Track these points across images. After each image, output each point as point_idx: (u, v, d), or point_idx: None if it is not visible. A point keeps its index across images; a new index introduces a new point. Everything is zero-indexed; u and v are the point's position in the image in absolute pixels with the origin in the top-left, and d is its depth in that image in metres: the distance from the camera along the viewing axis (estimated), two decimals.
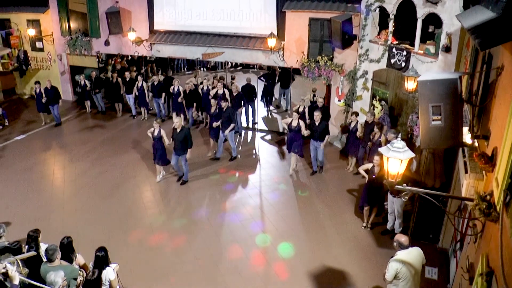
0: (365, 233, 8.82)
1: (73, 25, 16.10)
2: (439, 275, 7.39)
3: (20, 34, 16.96)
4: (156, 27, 14.86)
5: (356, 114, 10.94)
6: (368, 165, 8.69)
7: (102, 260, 5.94)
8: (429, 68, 9.09)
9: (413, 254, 5.90)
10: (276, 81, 16.12)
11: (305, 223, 9.29)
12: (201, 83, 14.15)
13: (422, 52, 9.51)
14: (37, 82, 14.51)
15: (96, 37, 15.73)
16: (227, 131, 11.39)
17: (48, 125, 14.89)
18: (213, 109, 11.83)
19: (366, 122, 10.49)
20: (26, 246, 6.31)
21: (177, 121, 10.05)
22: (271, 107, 16.10)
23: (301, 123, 10.60)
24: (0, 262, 4.86)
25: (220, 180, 11.10)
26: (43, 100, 14.25)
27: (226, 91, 13.33)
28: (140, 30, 14.69)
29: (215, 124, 11.68)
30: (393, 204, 8.31)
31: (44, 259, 5.92)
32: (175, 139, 10.14)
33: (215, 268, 7.88)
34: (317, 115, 10.48)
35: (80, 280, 5.77)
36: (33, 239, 6.31)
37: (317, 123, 10.55)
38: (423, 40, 9.62)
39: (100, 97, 15.72)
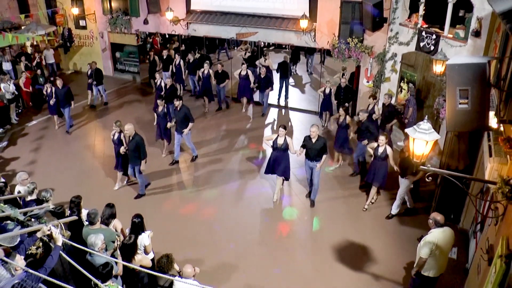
0: (388, 211, 8.92)
1: (114, 4, 16.62)
2: (458, 255, 7.50)
3: (65, 12, 17.65)
4: (192, 7, 15.09)
5: (374, 97, 10.87)
6: (374, 144, 8.79)
7: (138, 226, 6.27)
8: (458, 52, 9.02)
9: (446, 233, 5.93)
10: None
11: (330, 198, 9.52)
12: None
13: (451, 36, 9.42)
14: (49, 81, 13.55)
15: (136, 16, 16.13)
16: (186, 130, 10.42)
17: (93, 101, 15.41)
18: (160, 109, 10.90)
19: (383, 104, 10.56)
20: (69, 211, 6.71)
21: (129, 128, 8.94)
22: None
23: (289, 140, 8.87)
24: (45, 224, 5.16)
25: (250, 154, 11.44)
26: (51, 102, 12.59)
27: (250, 72, 13.46)
28: (177, 10, 14.94)
29: (169, 125, 10.83)
30: (401, 185, 8.47)
31: (85, 223, 6.34)
32: (128, 148, 9.25)
33: (242, 238, 8.25)
34: (314, 131, 8.65)
35: (117, 244, 6.17)
36: (75, 204, 6.69)
37: (313, 140, 8.74)
38: (453, 24, 9.51)
39: (97, 90, 14.81)
